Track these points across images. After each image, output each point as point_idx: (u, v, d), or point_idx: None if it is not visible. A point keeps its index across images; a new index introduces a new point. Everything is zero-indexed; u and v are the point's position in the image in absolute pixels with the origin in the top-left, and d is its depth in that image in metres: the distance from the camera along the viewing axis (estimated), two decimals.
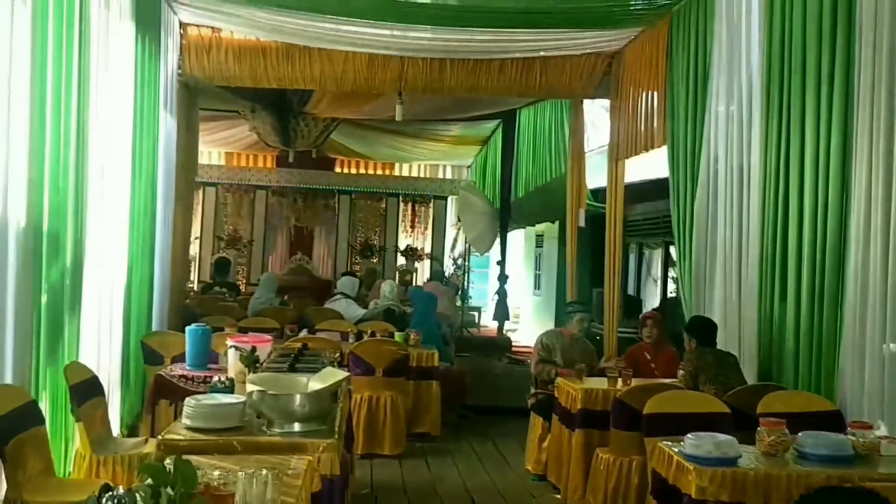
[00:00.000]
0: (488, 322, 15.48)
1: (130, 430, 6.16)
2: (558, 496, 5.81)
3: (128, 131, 6.18)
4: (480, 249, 13.54)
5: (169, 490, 2.11)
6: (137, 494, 2.11)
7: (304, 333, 7.29)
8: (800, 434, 3.63)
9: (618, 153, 8.04)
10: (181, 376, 5.18)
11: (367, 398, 6.83)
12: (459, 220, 14.22)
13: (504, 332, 13.07)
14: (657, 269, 11.42)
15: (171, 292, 7.79)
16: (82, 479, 4.23)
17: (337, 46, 7.86)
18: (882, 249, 4.03)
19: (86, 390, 4.52)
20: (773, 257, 4.99)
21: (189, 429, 3.42)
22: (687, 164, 6.32)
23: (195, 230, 12.78)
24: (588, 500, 5.25)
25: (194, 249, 13.29)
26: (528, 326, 16.14)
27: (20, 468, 3.62)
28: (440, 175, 16.17)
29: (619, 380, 5.53)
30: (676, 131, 6.52)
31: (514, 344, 12.36)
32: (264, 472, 2.43)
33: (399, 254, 15.28)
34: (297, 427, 3.46)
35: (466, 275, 15.08)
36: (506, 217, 12.69)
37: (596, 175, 9.28)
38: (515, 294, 15.60)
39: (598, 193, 9.67)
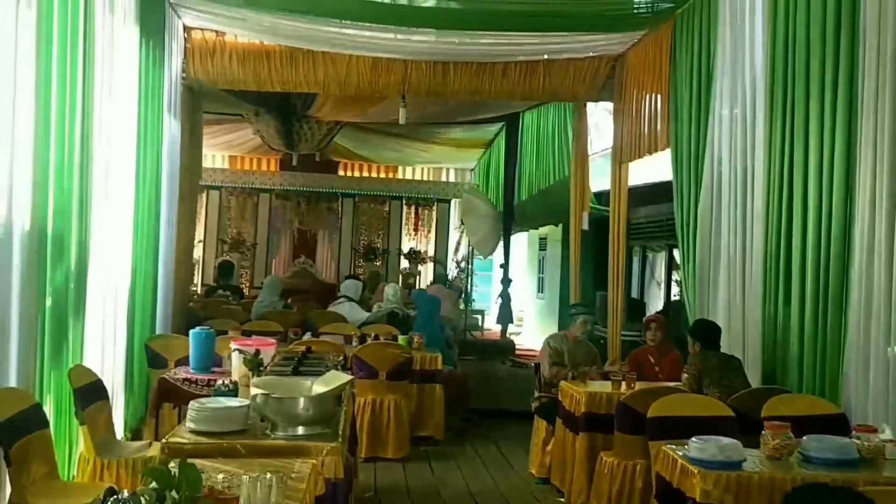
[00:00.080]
0: (492, 325, 15.47)
1: (134, 433, 6.16)
2: (562, 500, 5.80)
3: (132, 135, 6.19)
4: (484, 252, 13.53)
5: (174, 493, 2.11)
6: (142, 498, 2.12)
7: (307, 337, 7.30)
8: (804, 437, 3.63)
9: (621, 156, 8.04)
10: (185, 380, 5.19)
11: (370, 401, 6.83)
12: (463, 224, 14.22)
13: (507, 335, 13.07)
14: (661, 273, 11.40)
15: (175, 295, 7.79)
16: (86, 482, 4.23)
17: (340, 50, 7.88)
18: (886, 252, 4.02)
19: (90, 393, 4.52)
20: (777, 260, 4.99)
21: (193, 432, 3.42)
22: (690, 168, 6.32)
23: (199, 233, 12.80)
24: (592, 503, 5.25)
25: (198, 253, 13.29)
26: (532, 330, 16.13)
27: (24, 471, 3.62)
28: (443, 178, 16.17)
29: (623, 383, 5.53)
30: (680, 134, 6.52)
31: (517, 347, 12.35)
32: (268, 475, 2.43)
33: (402, 257, 15.28)
34: (300, 430, 3.46)
35: (470, 278, 15.08)
36: (509, 220, 12.69)
37: (599, 178, 9.29)
38: (519, 297, 15.59)
39: (601, 196, 9.67)
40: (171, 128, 7.42)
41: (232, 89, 8.48)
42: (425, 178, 15.94)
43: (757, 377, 5.16)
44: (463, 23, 7.38)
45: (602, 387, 5.62)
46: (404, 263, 15.20)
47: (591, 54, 8.05)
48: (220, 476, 2.53)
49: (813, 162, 4.61)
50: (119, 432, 5.54)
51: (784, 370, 4.92)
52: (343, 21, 7.30)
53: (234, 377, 4.41)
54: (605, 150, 9.47)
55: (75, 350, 4.95)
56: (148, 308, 6.79)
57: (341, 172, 15.38)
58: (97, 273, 5.34)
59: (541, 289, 16.15)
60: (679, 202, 6.57)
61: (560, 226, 12.31)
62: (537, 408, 6.43)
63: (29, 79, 4.16)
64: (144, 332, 6.60)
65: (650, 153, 7.34)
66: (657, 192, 8.12)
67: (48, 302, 4.52)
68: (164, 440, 3.45)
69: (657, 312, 8.99)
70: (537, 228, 14.39)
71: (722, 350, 5.30)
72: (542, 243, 15.88)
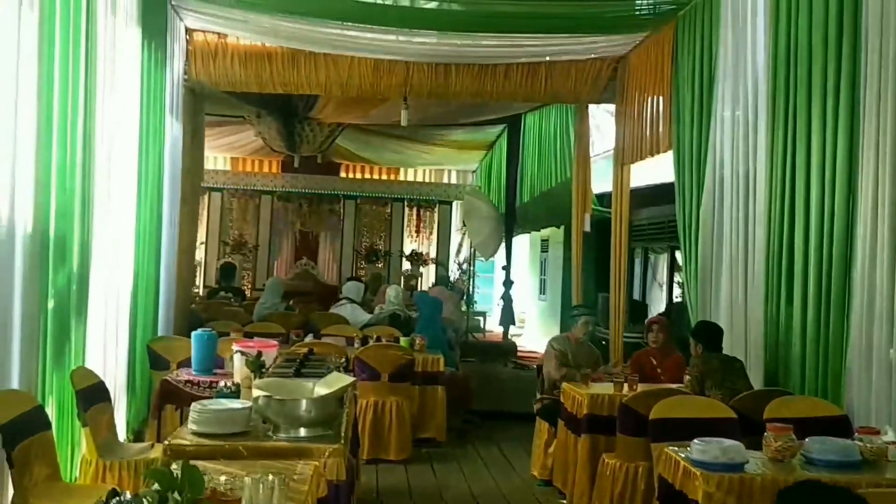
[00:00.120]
0: (493, 327, 15.48)
1: (136, 435, 6.16)
2: (564, 501, 5.80)
3: (134, 136, 6.20)
4: (485, 254, 13.54)
5: (176, 495, 2.12)
6: (145, 500, 2.12)
7: (309, 338, 7.30)
8: (807, 439, 3.62)
9: (623, 158, 8.04)
10: (187, 381, 5.20)
11: (372, 403, 6.82)
12: (464, 225, 14.22)
13: (509, 337, 13.07)
14: (663, 274, 11.41)
15: (177, 297, 7.80)
16: (88, 484, 4.24)
17: (342, 52, 7.88)
18: (889, 254, 4.02)
19: (92, 395, 4.53)
20: (780, 262, 4.98)
21: (195, 434, 3.42)
22: (693, 169, 6.32)
23: (201, 235, 12.79)
24: None
25: (200, 254, 13.30)
26: (534, 331, 16.13)
27: (27, 473, 3.62)
28: (445, 180, 16.16)
29: (626, 385, 5.52)
30: (682, 136, 6.52)
31: (519, 349, 12.36)
32: (270, 477, 2.43)
33: (404, 259, 15.28)
34: (303, 432, 3.46)
35: (471, 280, 15.08)
36: (511, 222, 12.70)
37: (601, 180, 9.29)
38: (520, 299, 15.60)
39: (603, 198, 9.68)
40: (173, 129, 7.43)
41: (234, 91, 8.48)
42: (427, 180, 15.94)
43: (759, 378, 5.16)
44: (465, 24, 7.38)
45: (604, 389, 5.61)
46: (406, 265, 15.19)
47: (592, 56, 8.05)
48: (223, 478, 2.53)
49: (815, 163, 4.61)
50: (121, 434, 5.55)
51: (786, 371, 4.92)
52: (345, 23, 7.31)
53: (237, 379, 4.41)
54: (607, 152, 9.47)
55: (77, 352, 4.95)
56: (150, 310, 6.79)
57: (343, 174, 15.37)
58: (99, 275, 5.35)
59: (542, 290, 16.16)
60: (681, 204, 6.57)
61: (562, 227, 12.32)
62: (539, 409, 6.43)
63: (31, 80, 4.17)
64: (146, 334, 6.61)
65: (652, 155, 7.34)
66: (659, 194, 8.12)
67: (50, 304, 4.52)
68: (166, 442, 3.46)
69: (659, 314, 9.00)
70: (539, 230, 14.40)
71: (724, 352, 5.29)
72: (544, 245, 15.89)
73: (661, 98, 7.04)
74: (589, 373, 5.93)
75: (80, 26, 4.75)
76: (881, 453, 3.57)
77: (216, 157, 14.62)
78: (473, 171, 16.14)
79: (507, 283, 12.91)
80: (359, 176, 15.54)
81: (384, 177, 15.71)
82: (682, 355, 6.15)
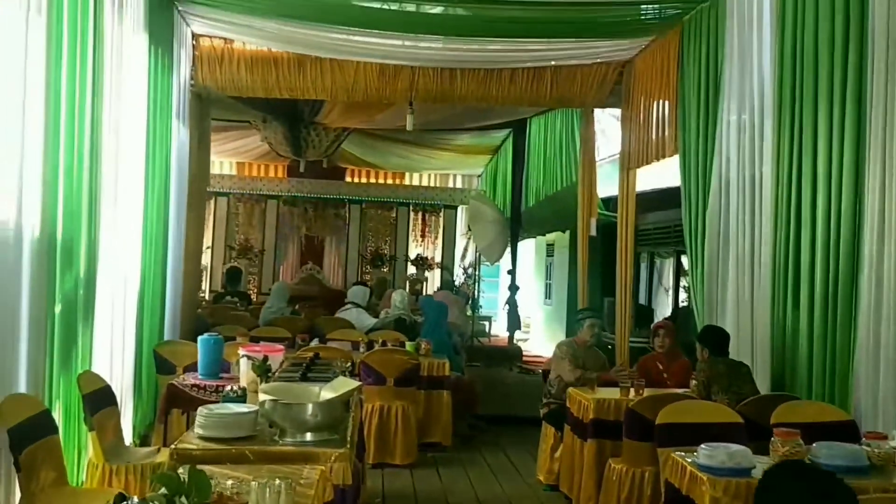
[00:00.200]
0: (499, 331, 15.46)
1: (143, 439, 6.17)
2: None
3: (141, 141, 6.22)
4: (491, 259, 13.52)
5: (183, 499, 2.12)
6: (152, 503, 2.12)
7: (315, 343, 7.31)
8: (814, 444, 3.61)
9: (629, 162, 8.03)
10: (193, 385, 5.20)
11: (378, 408, 6.83)
12: (470, 230, 14.21)
13: (515, 341, 13.04)
14: (669, 279, 11.38)
15: (184, 302, 7.82)
16: (95, 488, 4.24)
17: (348, 57, 7.90)
18: None
19: (99, 399, 4.54)
20: (786, 266, 4.97)
21: (202, 438, 3.43)
22: (698, 174, 6.31)
23: (207, 240, 12.82)
24: None
25: (206, 259, 13.34)
26: (539, 336, 16.11)
27: (34, 477, 3.63)
28: (450, 184, 16.18)
29: (632, 390, 5.51)
30: (688, 140, 6.51)
31: (524, 353, 12.32)
32: (277, 481, 2.43)
33: (409, 263, 15.30)
34: (309, 437, 3.46)
35: (477, 284, 15.07)
36: (516, 226, 12.68)
37: (607, 184, 9.27)
38: (526, 304, 15.57)
39: (609, 202, 9.66)
40: (180, 134, 7.45)
41: (240, 96, 8.50)
42: (432, 185, 15.96)
43: (766, 382, 5.14)
44: (470, 29, 7.39)
45: (610, 393, 5.60)
46: (411, 269, 15.21)
47: (598, 60, 8.05)
48: (229, 482, 2.54)
49: (822, 167, 4.60)
50: (128, 438, 5.55)
51: (793, 375, 4.90)
52: (350, 28, 7.32)
53: (243, 383, 4.42)
54: (613, 157, 9.45)
55: (84, 356, 4.96)
56: (156, 314, 6.81)
57: (348, 179, 15.41)
58: (106, 279, 5.36)
59: (548, 295, 16.13)
60: (687, 208, 6.56)
61: (567, 232, 12.29)
62: (545, 414, 6.42)
63: (39, 86, 4.18)
64: (153, 338, 6.62)
65: (658, 159, 7.32)
66: (665, 198, 8.10)
67: (57, 308, 4.53)
68: (172, 446, 3.46)
69: (665, 319, 8.97)
70: (544, 234, 14.37)
71: (731, 356, 5.28)
72: (550, 249, 15.87)
73: (666, 102, 7.04)
74: (594, 378, 5.91)
75: (87, 31, 4.77)
76: (889, 458, 3.56)
77: (222, 162, 14.68)
78: (479, 176, 16.15)
79: (513, 288, 12.89)
80: (364, 180, 15.57)
81: (389, 181, 15.74)
82: (688, 360, 6.14)
